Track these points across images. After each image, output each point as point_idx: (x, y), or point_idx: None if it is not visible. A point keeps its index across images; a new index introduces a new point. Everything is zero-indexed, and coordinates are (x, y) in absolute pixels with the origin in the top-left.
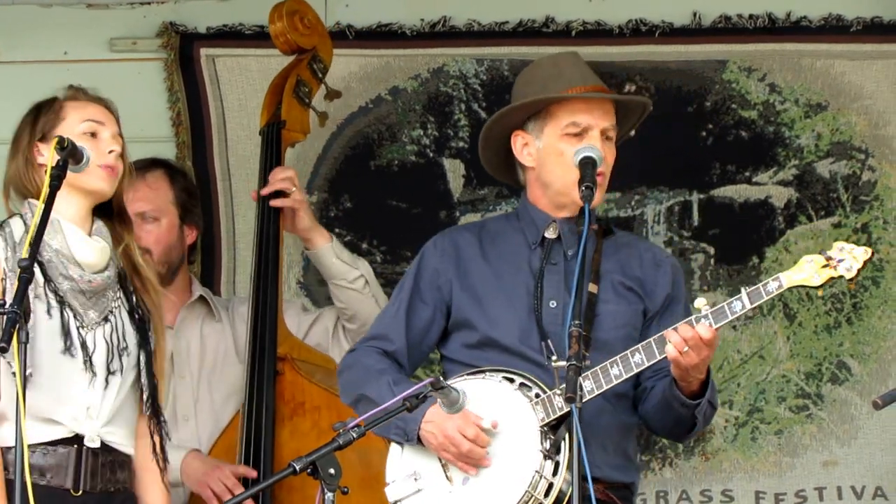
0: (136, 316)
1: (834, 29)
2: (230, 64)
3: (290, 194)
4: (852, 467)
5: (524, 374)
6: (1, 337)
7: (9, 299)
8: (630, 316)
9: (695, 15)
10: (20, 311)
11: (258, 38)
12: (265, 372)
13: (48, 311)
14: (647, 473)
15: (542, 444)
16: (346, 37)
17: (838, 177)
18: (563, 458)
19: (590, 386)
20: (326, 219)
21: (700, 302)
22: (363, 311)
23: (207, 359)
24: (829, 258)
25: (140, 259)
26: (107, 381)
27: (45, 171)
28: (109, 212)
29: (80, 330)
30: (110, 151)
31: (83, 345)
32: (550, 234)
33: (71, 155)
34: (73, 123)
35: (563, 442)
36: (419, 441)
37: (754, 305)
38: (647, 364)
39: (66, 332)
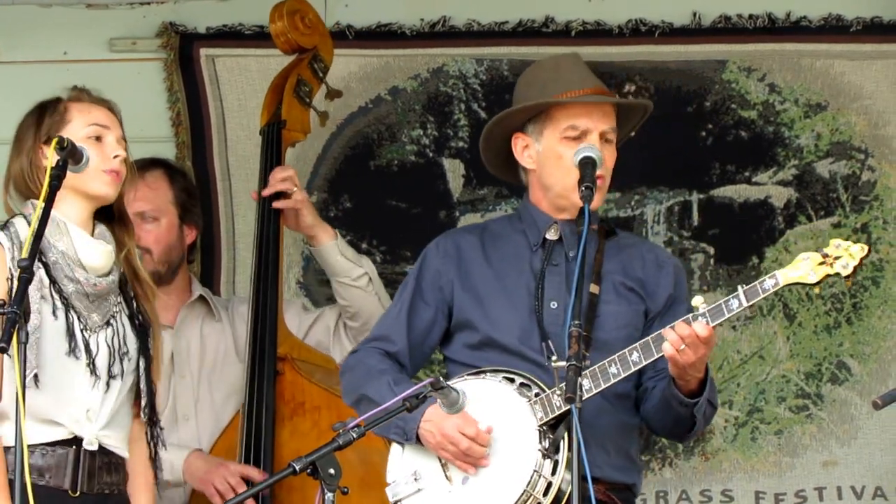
0: (137, 322)
1: (834, 29)
2: (230, 64)
3: (291, 195)
4: (852, 467)
5: (524, 374)
6: (1, 337)
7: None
8: (631, 316)
9: (694, 15)
10: (20, 311)
11: (258, 38)
12: (265, 372)
13: (54, 313)
14: (647, 473)
15: (540, 443)
16: (345, 37)
17: (838, 177)
18: (562, 457)
19: (588, 385)
20: (326, 219)
21: (698, 300)
22: (366, 309)
23: (207, 358)
24: (825, 256)
25: (140, 264)
26: (108, 384)
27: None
28: (110, 214)
29: (84, 332)
30: (115, 156)
31: (87, 347)
32: (552, 235)
33: (70, 155)
34: (79, 127)
35: (561, 441)
36: (418, 440)
37: (751, 303)
38: (644, 362)
39: (70, 334)
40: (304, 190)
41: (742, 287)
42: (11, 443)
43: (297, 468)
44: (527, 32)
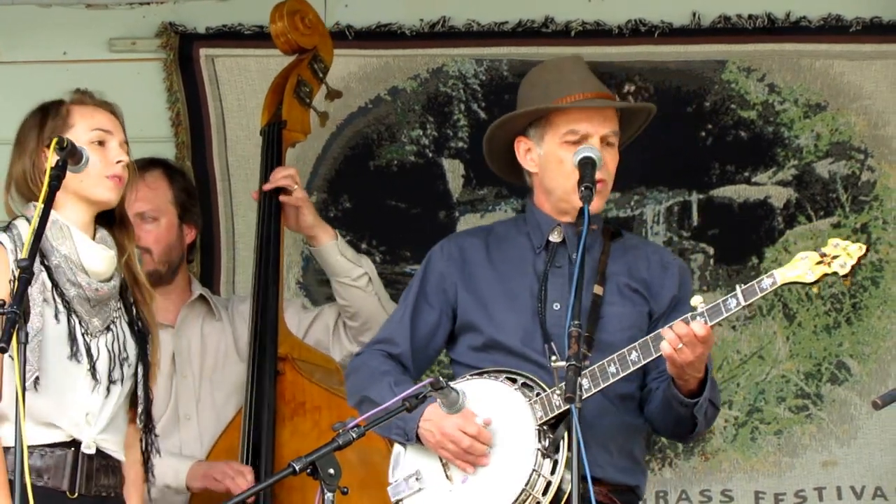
0: (136, 328)
1: (833, 29)
2: (229, 64)
3: (293, 192)
4: (852, 467)
5: (526, 374)
6: (1, 337)
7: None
8: (635, 318)
9: (694, 15)
10: (20, 311)
11: (257, 38)
12: (266, 372)
13: (56, 316)
14: (647, 473)
15: (539, 442)
16: (345, 37)
17: (837, 177)
18: (561, 456)
19: (587, 384)
20: (326, 219)
21: (697, 300)
22: (366, 309)
23: (208, 358)
24: (823, 255)
25: (140, 268)
26: (108, 389)
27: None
28: (110, 217)
29: (85, 337)
30: (118, 161)
31: (88, 351)
32: (555, 237)
33: (70, 155)
34: (82, 131)
35: (561, 441)
36: (419, 440)
37: (749, 302)
38: (643, 362)
39: (72, 338)
40: (305, 189)
41: (740, 286)
42: (9, 443)
43: (297, 468)
44: (526, 33)
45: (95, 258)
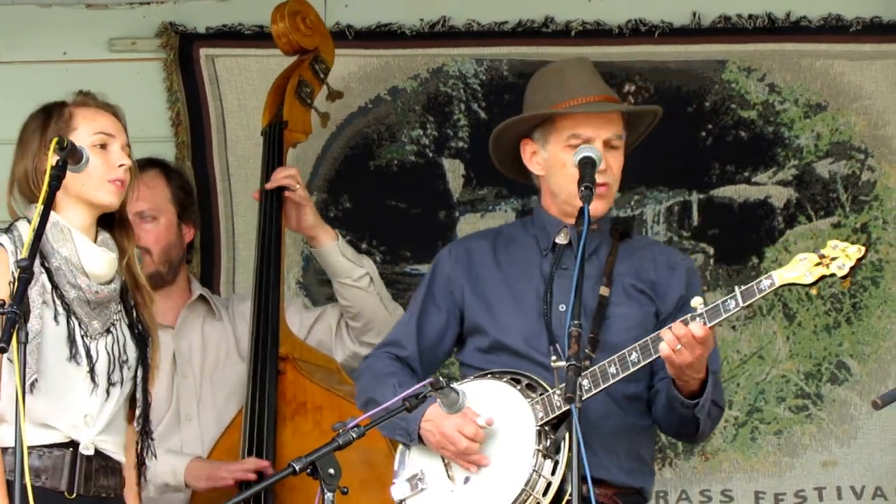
0: (137, 331)
1: (833, 29)
2: (229, 64)
3: (295, 191)
4: (852, 467)
5: (530, 375)
6: (1, 337)
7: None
8: (641, 318)
9: (694, 15)
10: (20, 311)
11: (257, 38)
12: (267, 371)
13: (55, 318)
14: (654, 475)
15: (539, 442)
16: (345, 37)
17: (838, 177)
18: (562, 457)
19: (588, 385)
20: (326, 219)
21: (696, 301)
22: (368, 310)
23: (209, 358)
24: (822, 256)
25: (140, 270)
26: (108, 391)
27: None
28: (110, 218)
29: (85, 339)
30: (120, 165)
31: (88, 353)
32: (561, 239)
33: (70, 155)
34: (84, 135)
35: (563, 441)
36: (420, 440)
37: (747, 303)
38: (643, 362)
39: (71, 340)
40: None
41: (739, 288)
42: (8, 444)
43: (297, 468)
44: (526, 32)
45: (96, 261)
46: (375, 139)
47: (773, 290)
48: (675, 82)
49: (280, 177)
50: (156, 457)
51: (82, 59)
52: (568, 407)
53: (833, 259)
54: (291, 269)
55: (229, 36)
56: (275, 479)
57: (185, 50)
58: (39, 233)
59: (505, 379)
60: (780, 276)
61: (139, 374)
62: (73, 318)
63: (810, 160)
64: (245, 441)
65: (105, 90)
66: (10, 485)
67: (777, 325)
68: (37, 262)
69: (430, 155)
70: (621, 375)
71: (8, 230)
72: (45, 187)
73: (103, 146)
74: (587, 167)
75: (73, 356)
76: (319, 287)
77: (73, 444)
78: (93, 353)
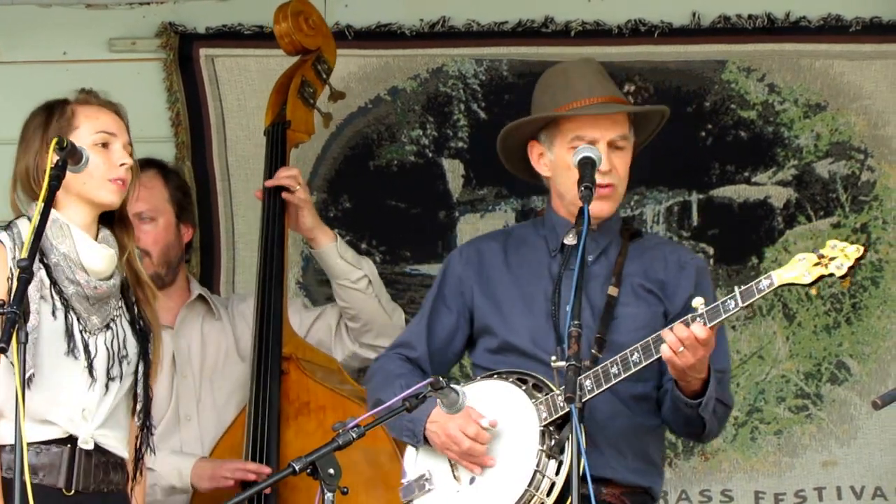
0: (138, 327)
1: (833, 29)
2: (229, 64)
3: (295, 192)
4: (852, 467)
5: (537, 376)
6: (0, 337)
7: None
8: (649, 318)
9: (694, 15)
10: (19, 312)
11: (257, 38)
12: (270, 371)
13: (53, 313)
14: (664, 474)
15: (543, 443)
16: (345, 37)
17: (837, 177)
18: (566, 457)
19: (590, 385)
20: (326, 219)
21: (697, 301)
22: (366, 311)
23: (209, 358)
24: (821, 256)
25: (141, 267)
26: (107, 386)
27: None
28: (110, 216)
29: (83, 334)
30: (121, 164)
31: (86, 348)
32: (570, 240)
33: (70, 155)
34: (86, 133)
35: (567, 441)
36: (426, 441)
37: (746, 304)
38: (644, 363)
39: (69, 335)
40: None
41: (738, 288)
42: (5, 441)
43: (297, 468)
44: (526, 33)
45: (95, 256)
46: (375, 139)
47: (772, 291)
48: (675, 82)
49: (282, 176)
50: (154, 453)
51: (82, 59)
52: (569, 407)
53: (832, 259)
54: (291, 269)
55: (229, 36)
56: (274, 480)
57: (184, 50)
58: (39, 232)
59: (511, 379)
60: (779, 276)
61: (140, 369)
62: (71, 313)
63: (810, 160)
64: (248, 441)
65: (105, 90)
66: (8, 483)
67: (777, 325)
68: (35, 259)
69: (430, 155)
70: (623, 376)
71: (7, 227)
72: (44, 187)
73: (105, 145)
74: (587, 167)
75: (71, 350)
76: (319, 287)
77: (72, 440)
78: (91, 348)
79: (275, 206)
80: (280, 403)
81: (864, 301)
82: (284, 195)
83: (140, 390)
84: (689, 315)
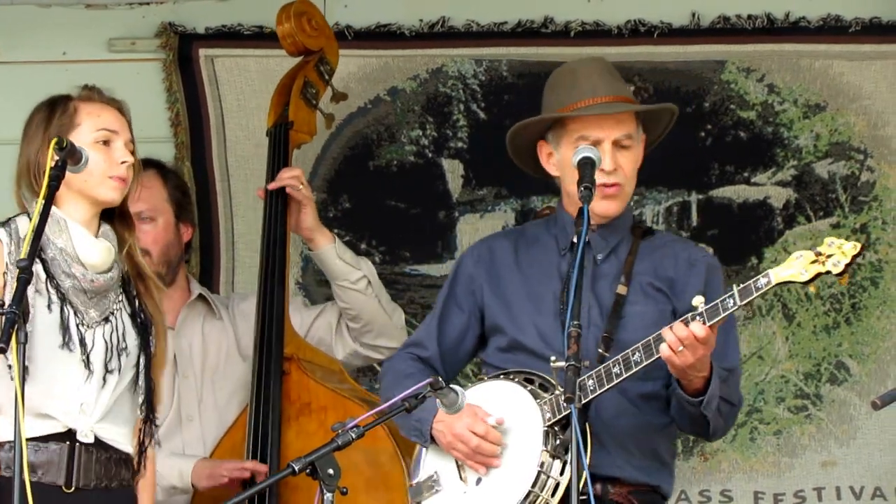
0: (139, 320)
1: (832, 29)
2: (229, 64)
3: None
4: (851, 468)
5: (544, 375)
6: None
7: (8, 294)
8: (658, 316)
9: (693, 15)
10: (19, 312)
11: (257, 38)
12: (272, 371)
13: (48, 307)
14: (674, 473)
15: (547, 443)
16: (344, 37)
17: (837, 177)
18: (571, 457)
19: (592, 385)
20: (325, 219)
21: (697, 300)
22: (366, 312)
23: (210, 358)
24: (818, 254)
25: (142, 260)
26: (104, 379)
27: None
28: (110, 212)
29: (80, 327)
30: (122, 162)
31: (82, 341)
32: None
33: (70, 155)
34: (88, 131)
35: (570, 442)
36: (433, 441)
37: (744, 302)
38: (645, 363)
39: (65, 328)
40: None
41: (736, 286)
42: (3, 437)
43: (297, 468)
44: (526, 33)
45: (91, 250)
46: (375, 139)
47: (770, 289)
48: (675, 83)
49: (285, 177)
50: (159, 445)
51: (82, 60)
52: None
53: (829, 256)
54: (291, 269)
55: (229, 36)
56: (274, 480)
57: (184, 50)
58: (39, 233)
59: (517, 379)
60: (777, 275)
61: (141, 361)
62: (67, 306)
63: (809, 160)
64: (249, 441)
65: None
66: (7, 481)
67: (776, 325)
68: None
69: (430, 155)
70: (625, 375)
71: (5, 223)
72: (44, 187)
73: (106, 142)
74: (586, 167)
75: (66, 343)
76: (318, 287)
77: (71, 435)
78: (88, 341)
79: (277, 206)
80: (281, 404)
81: (864, 301)
82: (289, 189)
83: (141, 382)
84: (689, 314)
